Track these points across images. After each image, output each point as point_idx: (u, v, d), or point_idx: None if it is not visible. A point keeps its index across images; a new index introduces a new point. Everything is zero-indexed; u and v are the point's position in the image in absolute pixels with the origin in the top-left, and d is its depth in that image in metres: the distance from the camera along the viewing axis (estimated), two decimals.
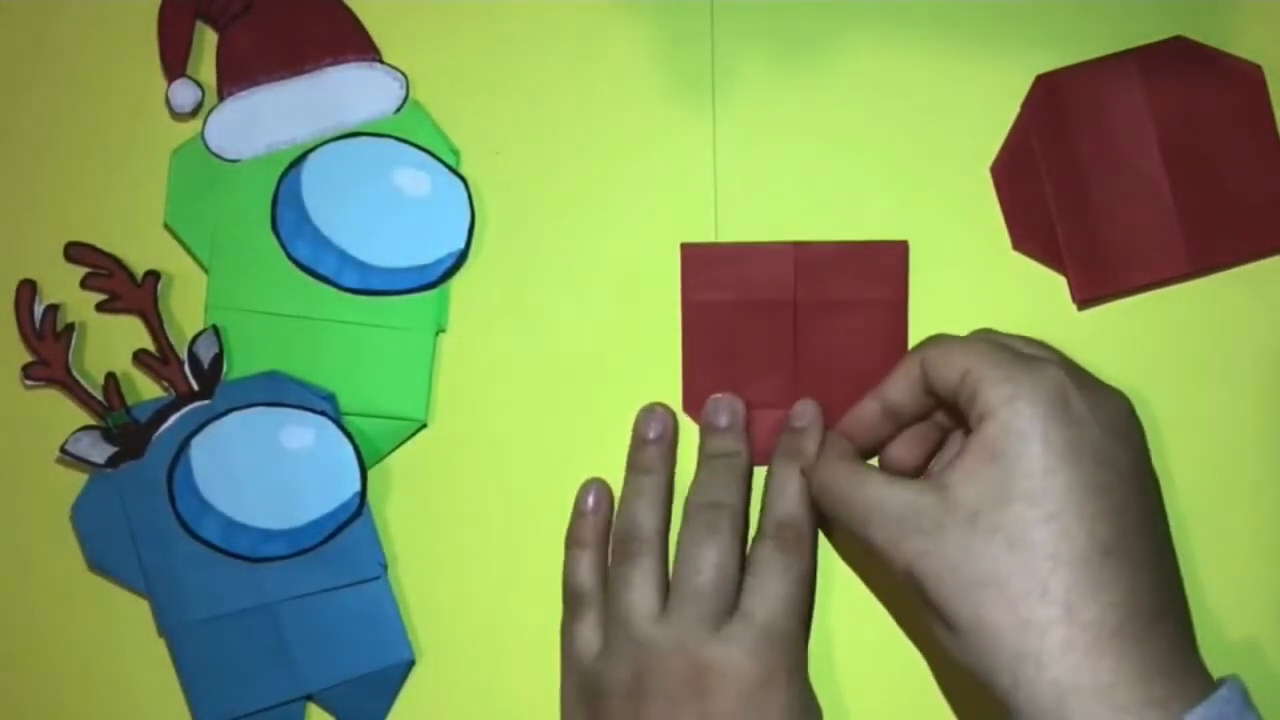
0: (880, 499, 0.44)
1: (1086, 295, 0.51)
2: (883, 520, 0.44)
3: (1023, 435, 0.42)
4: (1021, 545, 0.41)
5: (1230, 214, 0.51)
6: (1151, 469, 0.45)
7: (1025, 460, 0.42)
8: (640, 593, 0.48)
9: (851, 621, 0.51)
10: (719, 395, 0.51)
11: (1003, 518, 0.42)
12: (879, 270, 0.51)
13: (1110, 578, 0.41)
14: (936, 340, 0.46)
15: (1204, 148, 0.51)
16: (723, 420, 0.51)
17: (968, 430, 0.44)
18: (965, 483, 0.43)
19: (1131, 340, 0.51)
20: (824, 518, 0.50)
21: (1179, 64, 0.51)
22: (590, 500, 0.51)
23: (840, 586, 0.51)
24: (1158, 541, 0.43)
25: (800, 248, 0.51)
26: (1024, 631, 0.41)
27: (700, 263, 0.51)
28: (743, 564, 0.49)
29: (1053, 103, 0.51)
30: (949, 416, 0.48)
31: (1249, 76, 0.51)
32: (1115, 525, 0.42)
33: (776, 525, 0.49)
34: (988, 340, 0.45)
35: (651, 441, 0.51)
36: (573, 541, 0.51)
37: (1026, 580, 0.41)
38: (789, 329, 0.51)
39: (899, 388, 0.47)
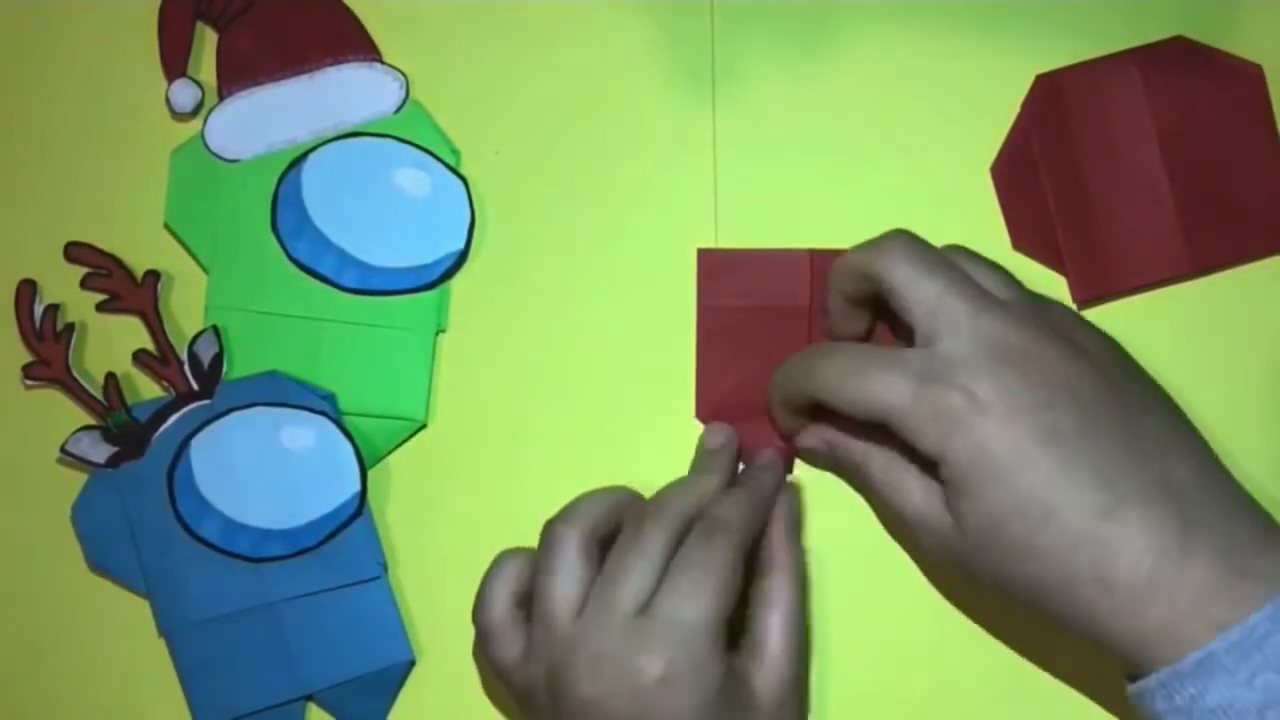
0: (922, 519, 0.45)
1: (1086, 295, 0.51)
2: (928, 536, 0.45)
3: (984, 478, 0.43)
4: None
5: (1230, 214, 0.51)
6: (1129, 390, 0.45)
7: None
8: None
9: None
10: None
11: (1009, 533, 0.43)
12: None
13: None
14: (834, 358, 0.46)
15: (1204, 148, 0.51)
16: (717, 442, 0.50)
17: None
18: (968, 516, 0.43)
19: (1132, 341, 0.51)
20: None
21: (1179, 64, 0.51)
22: None
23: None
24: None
25: (816, 254, 0.51)
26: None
27: (717, 268, 0.51)
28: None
29: (1053, 103, 0.51)
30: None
31: (1249, 76, 0.51)
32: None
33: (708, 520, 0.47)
34: (885, 360, 0.45)
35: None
36: None
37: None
38: (804, 335, 0.51)
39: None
